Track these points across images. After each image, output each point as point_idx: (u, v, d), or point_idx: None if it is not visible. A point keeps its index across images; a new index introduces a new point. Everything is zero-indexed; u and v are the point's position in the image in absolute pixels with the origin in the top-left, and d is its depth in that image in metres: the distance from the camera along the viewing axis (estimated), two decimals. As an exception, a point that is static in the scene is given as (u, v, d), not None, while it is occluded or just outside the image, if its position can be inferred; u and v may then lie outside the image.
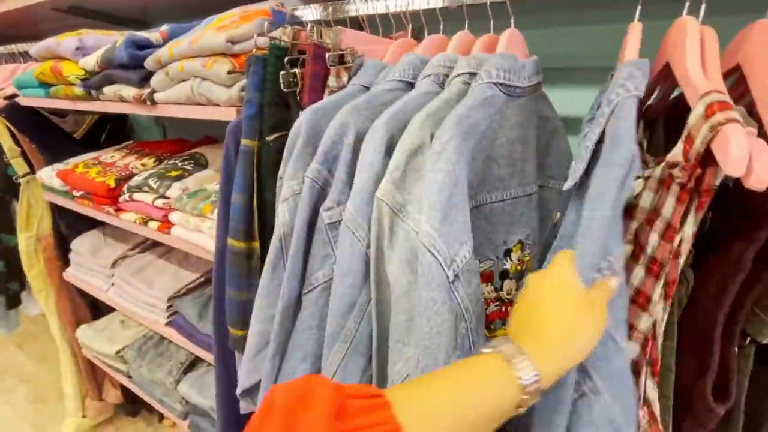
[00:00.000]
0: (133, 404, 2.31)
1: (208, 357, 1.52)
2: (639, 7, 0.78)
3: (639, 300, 0.63)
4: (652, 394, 0.59)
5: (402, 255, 0.74)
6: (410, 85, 0.95)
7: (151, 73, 1.30)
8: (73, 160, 1.88)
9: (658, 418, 0.60)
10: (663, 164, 0.63)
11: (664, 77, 0.76)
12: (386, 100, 0.91)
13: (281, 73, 1.04)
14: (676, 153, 0.61)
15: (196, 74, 1.16)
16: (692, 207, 0.60)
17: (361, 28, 1.21)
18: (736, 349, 0.64)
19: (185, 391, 1.76)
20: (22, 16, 2.05)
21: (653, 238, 0.62)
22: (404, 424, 0.45)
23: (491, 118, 0.76)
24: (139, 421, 2.33)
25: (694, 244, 0.62)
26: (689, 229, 0.59)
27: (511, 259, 0.86)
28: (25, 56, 2.30)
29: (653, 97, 0.82)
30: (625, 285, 0.61)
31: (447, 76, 0.90)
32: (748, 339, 0.64)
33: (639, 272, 0.63)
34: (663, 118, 0.81)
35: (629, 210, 0.71)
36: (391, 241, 0.75)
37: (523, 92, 0.82)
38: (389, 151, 0.79)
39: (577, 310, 0.54)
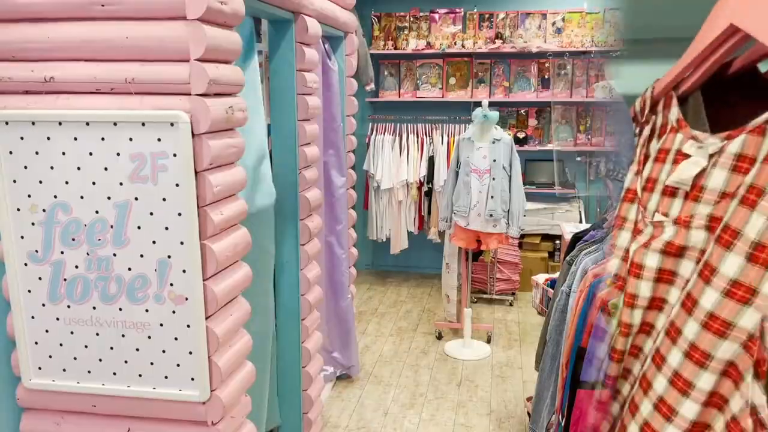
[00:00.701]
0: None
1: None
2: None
3: (737, 293, 0.55)
4: (760, 399, 0.53)
5: None
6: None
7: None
8: None
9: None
10: (745, 136, 0.57)
11: (717, 46, 0.70)
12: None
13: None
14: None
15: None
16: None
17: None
18: None
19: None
20: None
21: (760, 221, 0.55)
22: None
23: None
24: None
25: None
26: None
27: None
28: None
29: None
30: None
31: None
32: None
33: (736, 261, 0.56)
34: (699, 92, 0.75)
35: (688, 193, 0.65)
36: None
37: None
38: None
39: None
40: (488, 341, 4.51)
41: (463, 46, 5.58)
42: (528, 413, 3.16)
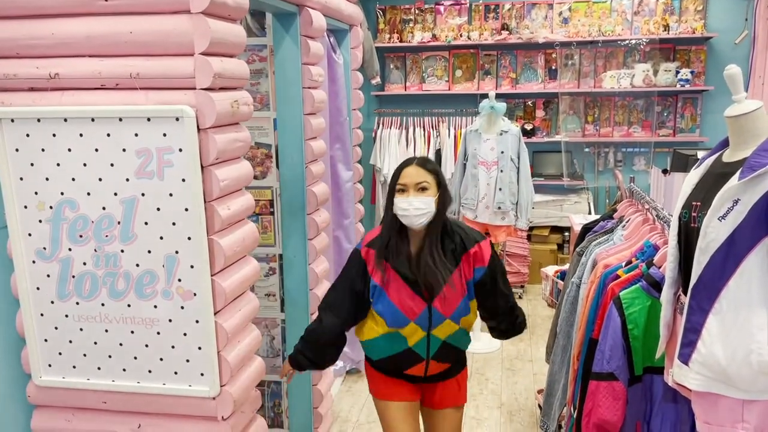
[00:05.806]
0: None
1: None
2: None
3: None
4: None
5: None
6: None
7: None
8: None
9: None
10: None
11: None
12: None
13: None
14: None
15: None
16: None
17: None
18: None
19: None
20: None
21: None
22: None
23: None
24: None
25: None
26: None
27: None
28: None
29: None
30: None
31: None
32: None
33: None
34: None
35: None
36: None
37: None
38: None
39: None
40: (498, 334, 4.50)
41: (468, 38, 5.55)
42: (539, 406, 3.14)
